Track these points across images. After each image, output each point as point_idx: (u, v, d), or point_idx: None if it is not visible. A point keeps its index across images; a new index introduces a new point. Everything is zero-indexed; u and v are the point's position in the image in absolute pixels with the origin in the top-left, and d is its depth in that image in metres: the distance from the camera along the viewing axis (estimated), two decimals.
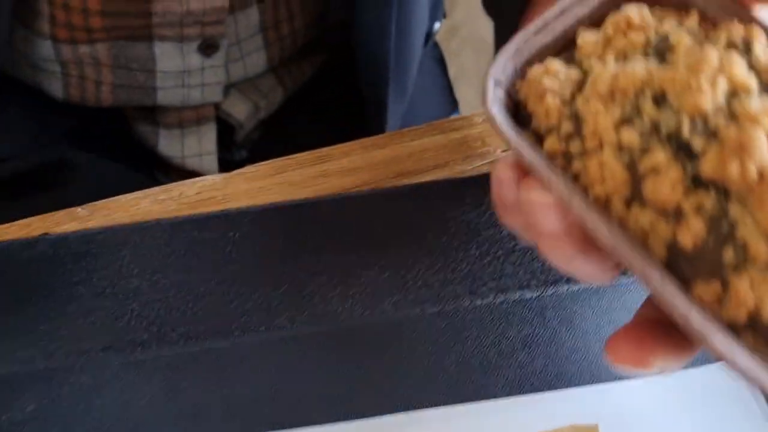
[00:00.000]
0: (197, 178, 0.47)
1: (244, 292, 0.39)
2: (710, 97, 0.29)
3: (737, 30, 0.31)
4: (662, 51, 0.31)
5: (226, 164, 0.68)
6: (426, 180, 0.49)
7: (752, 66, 0.30)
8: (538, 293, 0.42)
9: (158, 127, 0.65)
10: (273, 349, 0.41)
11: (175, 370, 0.38)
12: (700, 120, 0.29)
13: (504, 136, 0.31)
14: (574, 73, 0.32)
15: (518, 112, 0.33)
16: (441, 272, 0.43)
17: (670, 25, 0.32)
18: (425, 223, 0.43)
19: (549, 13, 0.33)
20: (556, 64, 0.32)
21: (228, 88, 0.65)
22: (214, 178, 0.47)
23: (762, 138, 0.27)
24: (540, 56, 0.33)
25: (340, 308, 0.42)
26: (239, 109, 0.67)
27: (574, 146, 0.31)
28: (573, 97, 0.32)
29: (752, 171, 0.27)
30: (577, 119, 0.31)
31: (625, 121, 0.30)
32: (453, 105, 0.75)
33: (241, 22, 0.61)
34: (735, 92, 0.29)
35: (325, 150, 0.49)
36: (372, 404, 0.41)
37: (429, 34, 0.70)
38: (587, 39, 0.33)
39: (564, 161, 0.31)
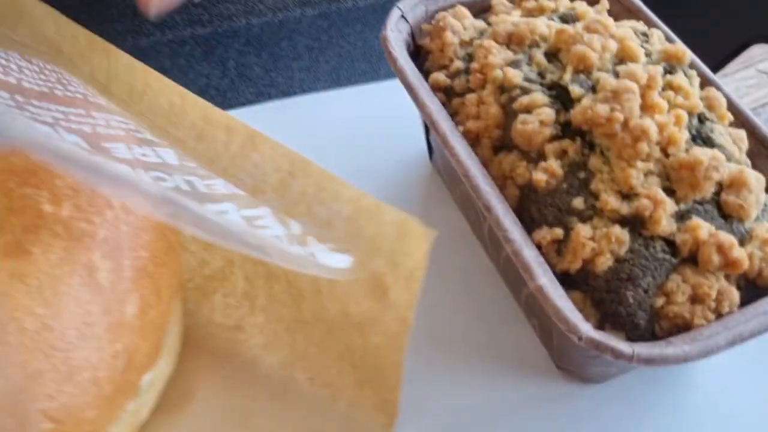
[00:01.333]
0: None
1: None
2: (597, 51, 0.28)
3: (640, 23, 0.32)
4: (567, 18, 0.31)
5: None
6: None
7: (644, 47, 0.30)
8: None
9: None
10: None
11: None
12: (584, 74, 0.28)
13: (391, 55, 0.30)
14: (479, 24, 0.32)
15: (416, 56, 0.32)
16: None
17: (579, 4, 0.32)
18: None
19: None
20: (464, 11, 0.32)
21: None
22: None
23: (635, 91, 0.27)
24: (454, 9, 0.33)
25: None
26: None
27: (459, 83, 0.31)
28: (471, 41, 0.31)
29: (618, 116, 0.26)
30: (469, 59, 0.31)
31: (512, 63, 0.29)
32: None
33: None
34: (623, 58, 0.29)
35: None
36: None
37: None
38: (500, 1, 0.33)
39: (444, 96, 0.31)
